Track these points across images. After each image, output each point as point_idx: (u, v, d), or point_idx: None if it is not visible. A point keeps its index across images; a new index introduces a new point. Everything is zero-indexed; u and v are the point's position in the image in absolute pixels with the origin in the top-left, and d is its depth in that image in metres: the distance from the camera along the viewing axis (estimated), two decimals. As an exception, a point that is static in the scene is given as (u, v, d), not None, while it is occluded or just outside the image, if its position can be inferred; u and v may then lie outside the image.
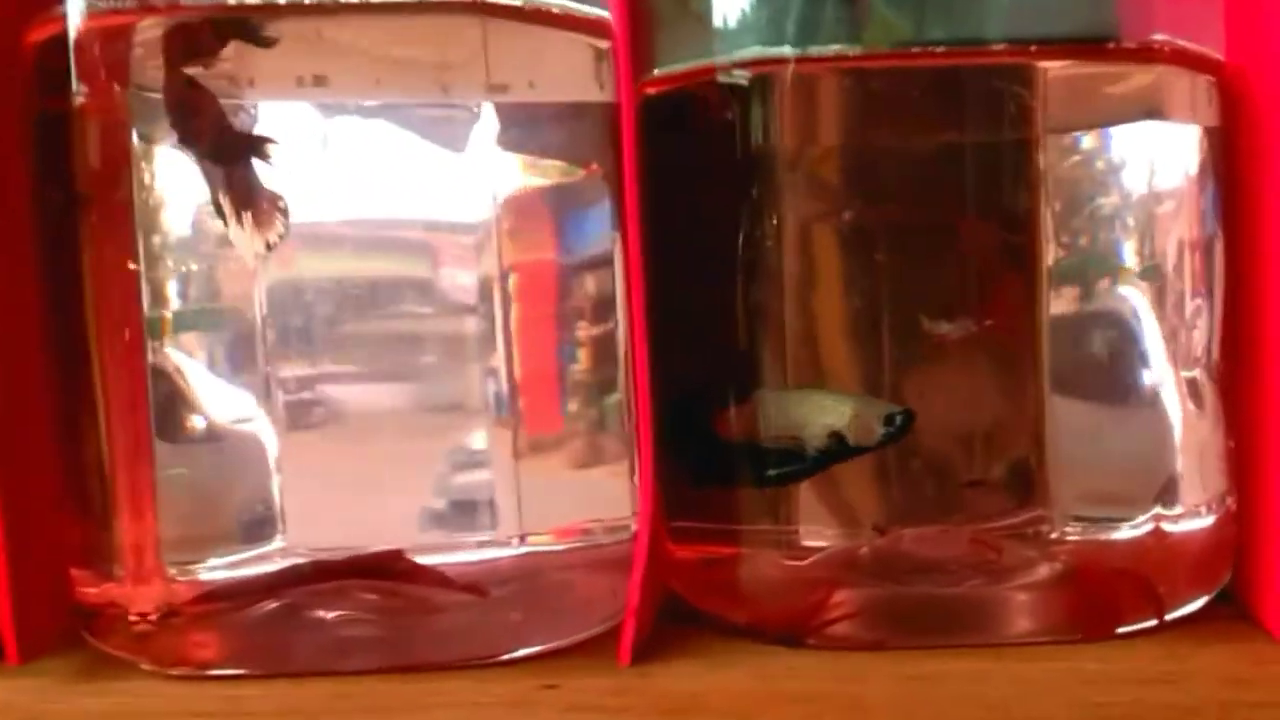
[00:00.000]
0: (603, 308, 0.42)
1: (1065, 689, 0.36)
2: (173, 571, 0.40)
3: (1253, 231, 0.40)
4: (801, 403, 0.40)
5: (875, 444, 0.39)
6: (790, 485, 0.41)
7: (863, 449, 0.40)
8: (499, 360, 0.39)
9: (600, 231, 0.41)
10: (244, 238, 0.38)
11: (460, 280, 0.39)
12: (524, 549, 0.40)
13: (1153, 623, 0.40)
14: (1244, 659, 0.38)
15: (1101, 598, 0.40)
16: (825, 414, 0.39)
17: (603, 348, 0.42)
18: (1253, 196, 0.40)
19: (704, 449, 0.42)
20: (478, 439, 0.40)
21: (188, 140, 0.38)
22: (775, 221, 0.40)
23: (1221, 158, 0.41)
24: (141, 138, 0.38)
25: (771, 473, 0.41)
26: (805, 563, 0.41)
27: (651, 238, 0.40)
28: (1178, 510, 0.41)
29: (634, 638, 0.38)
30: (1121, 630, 0.40)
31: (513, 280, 0.39)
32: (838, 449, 0.39)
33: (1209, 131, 0.41)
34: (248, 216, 0.38)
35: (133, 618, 0.40)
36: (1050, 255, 0.40)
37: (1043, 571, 0.40)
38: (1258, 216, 0.40)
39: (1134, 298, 0.40)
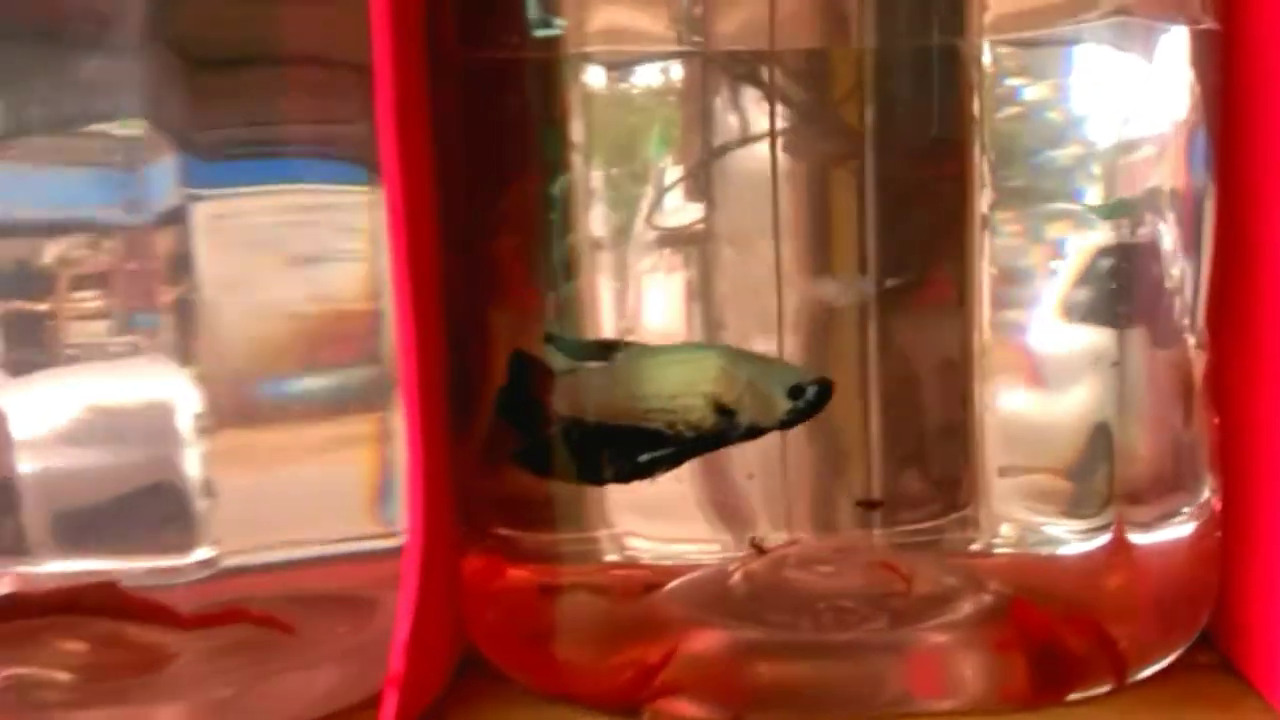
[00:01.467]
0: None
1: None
2: None
3: (1254, 168, 0.34)
4: (672, 363, 0.33)
5: (776, 424, 0.32)
6: (641, 479, 0.33)
7: (757, 430, 0.32)
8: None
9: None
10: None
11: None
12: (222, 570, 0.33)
13: (1107, 688, 0.33)
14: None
15: (1049, 646, 0.33)
16: (707, 379, 0.32)
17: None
18: (1255, 125, 0.34)
19: (528, 428, 0.34)
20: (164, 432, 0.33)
21: None
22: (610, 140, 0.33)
23: (1216, 71, 0.35)
24: None
25: (608, 463, 0.33)
26: (651, 597, 0.34)
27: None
28: (1144, 512, 0.34)
29: (400, 717, 0.31)
30: (1074, 697, 0.33)
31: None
32: (723, 428, 0.32)
33: (1200, 37, 0.35)
34: None
35: None
36: (985, 198, 0.33)
37: (967, 607, 0.33)
38: (1260, 149, 0.34)
39: (1092, 245, 0.34)
